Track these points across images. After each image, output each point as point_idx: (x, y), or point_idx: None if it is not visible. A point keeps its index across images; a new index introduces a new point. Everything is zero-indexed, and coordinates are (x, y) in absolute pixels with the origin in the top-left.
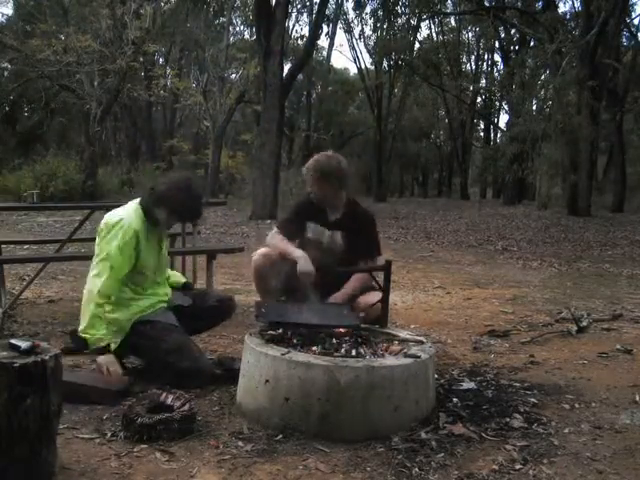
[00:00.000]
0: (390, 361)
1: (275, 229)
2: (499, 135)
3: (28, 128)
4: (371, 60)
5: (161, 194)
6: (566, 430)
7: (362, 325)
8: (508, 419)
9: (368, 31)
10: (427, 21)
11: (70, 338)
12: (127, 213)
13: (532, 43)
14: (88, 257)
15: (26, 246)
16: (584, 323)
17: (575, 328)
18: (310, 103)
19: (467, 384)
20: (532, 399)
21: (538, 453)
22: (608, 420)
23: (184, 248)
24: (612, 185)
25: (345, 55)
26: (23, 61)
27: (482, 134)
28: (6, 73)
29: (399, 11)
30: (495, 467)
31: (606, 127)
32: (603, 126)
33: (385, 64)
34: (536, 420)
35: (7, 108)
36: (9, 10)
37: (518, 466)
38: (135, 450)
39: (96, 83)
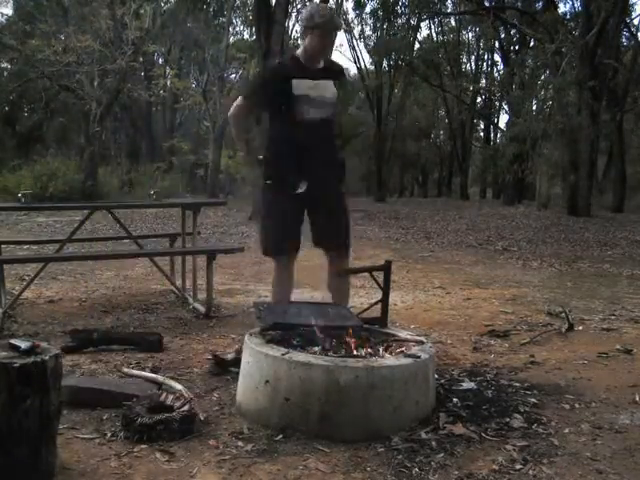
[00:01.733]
0: (390, 361)
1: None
2: (499, 135)
3: (28, 128)
4: (371, 60)
5: None
6: (566, 430)
7: (363, 325)
8: (508, 419)
9: (368, 31)
10: (427, 21)
11: (70, 338)
12: None
13: (532, 43)
14: (88, 257)
15: (26, 246)
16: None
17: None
18: None
19: (467, 384)
20: (532, 399)
21: (538, 453)
22: (608, 420)
23: (184, 248)
24: (612, 185)
25: (345, 55)
26: (23, 61)
27: (482, 134)
28: (6, 73)
29: (399, 11)
30: (495, 467)
31: (606, 127)
32: (603, 126)
33: (385, 64)
34: (536, 420)
35: (7, 108)
36: (9, 10)
37: (518, 466)
38: (135, 450)
39: (96, 83)
